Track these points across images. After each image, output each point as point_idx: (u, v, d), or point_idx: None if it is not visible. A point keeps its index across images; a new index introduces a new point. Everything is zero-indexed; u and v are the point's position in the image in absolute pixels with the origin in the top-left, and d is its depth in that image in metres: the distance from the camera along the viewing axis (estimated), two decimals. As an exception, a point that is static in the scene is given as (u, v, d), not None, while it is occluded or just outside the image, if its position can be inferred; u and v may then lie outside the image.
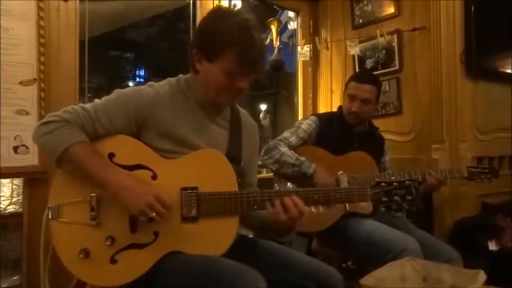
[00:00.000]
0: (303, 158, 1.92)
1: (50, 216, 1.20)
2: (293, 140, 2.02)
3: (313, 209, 1.27)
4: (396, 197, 1.28)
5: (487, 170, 2.05)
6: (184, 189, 1.21)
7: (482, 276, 1.09)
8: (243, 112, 1.46)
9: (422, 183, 1.90)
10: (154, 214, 1.14)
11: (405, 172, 1.97)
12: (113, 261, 1.17)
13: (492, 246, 2.25)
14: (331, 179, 1.90)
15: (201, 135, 1.28)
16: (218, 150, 1.27)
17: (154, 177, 1.22)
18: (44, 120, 1.21)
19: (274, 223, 1.24)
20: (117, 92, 1.28)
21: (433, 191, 2.04)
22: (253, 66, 1.23)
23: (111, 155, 1.22)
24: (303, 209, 1.20)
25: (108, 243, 1.17)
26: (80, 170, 1.18)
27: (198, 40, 1.27)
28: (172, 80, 1.35)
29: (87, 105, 1.24)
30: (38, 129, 1.21)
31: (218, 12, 1.29)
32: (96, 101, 1.27)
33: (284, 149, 1.95)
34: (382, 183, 1.29)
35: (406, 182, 1.29)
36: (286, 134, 2.05)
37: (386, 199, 1.28)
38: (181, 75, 1.36)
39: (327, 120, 2.11)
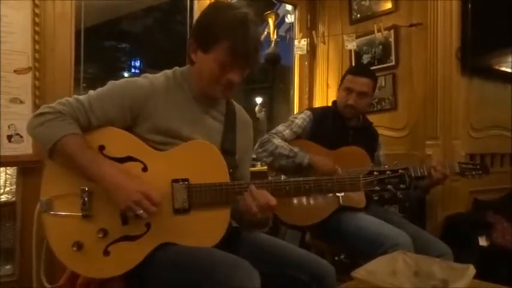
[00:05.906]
0: (296, 149, 1.92)
1: (42, 209, 1.19)
2: (287, 133, 2.02)
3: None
4: (389, 186, 1.24)
5: (478, 166, 2.06)
6: (175, 181, 1.20)
7: (472, 270, 1.10)
8: (238, 107, 1.46)
9: (425, 178, 1.90)
10: (142, 211, 1.12)
11: (410, 166, 1.95)
12: (106, 253, 1.17)
13: (482, 241, 2.28)
14: (331, 163, 1.89)
15: (195, 127, 1.28)
16: (212, 142, 1.26)
17: (144, 169, 1.21)
18: (38, 111, 1.20)
19: (246, 215, 1.22)
20: (111, 84, 1.27)
21: (438, 185, 2.04)
22: (245, 60, 1.23)
23: (101, 148, 1.21)
24: (270, 201, 1.18)
25: (101, 235, 1.17)
26: (71, 163, 1.17)
27: (195, 31, 1.28)
28: (168, 72, 1.34)
29: (81, 97, 1.23)
30: (32, 120, 1.20)
31: (217, 5, 1.30)
32: (91, 92, 1.25)
33: (278, 141, 1.95)
34: (375, 172, 1.26)
35: (400, 170, 1.25)
36: (280, 127, 2.05)
37: (379, 188, 1.25)
38: (177, 68, 1.36)
39: (321, 115, 2.11)
